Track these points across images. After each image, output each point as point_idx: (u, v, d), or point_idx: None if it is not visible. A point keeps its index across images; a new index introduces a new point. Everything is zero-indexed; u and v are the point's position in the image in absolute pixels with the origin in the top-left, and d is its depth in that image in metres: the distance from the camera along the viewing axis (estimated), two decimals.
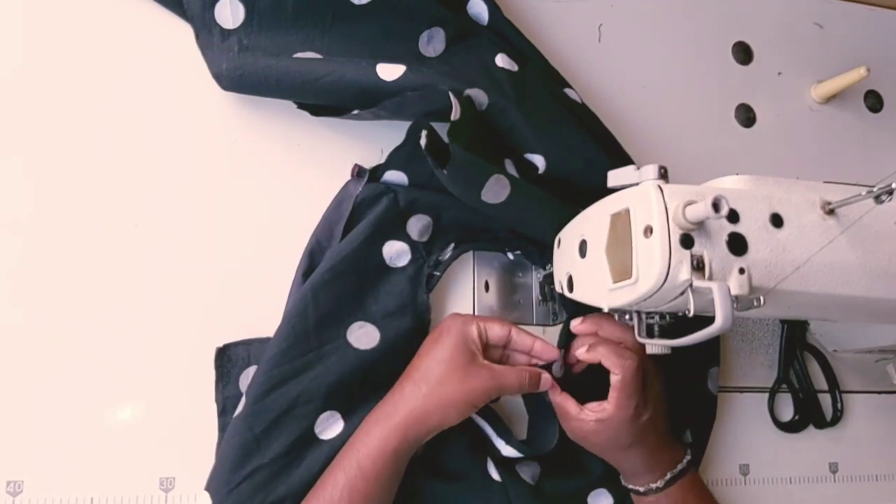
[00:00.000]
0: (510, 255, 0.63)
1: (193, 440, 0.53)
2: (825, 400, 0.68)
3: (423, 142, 0.53)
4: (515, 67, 0.60)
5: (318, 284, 0.54)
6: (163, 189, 0.57)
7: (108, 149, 0.56)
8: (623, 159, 0.63)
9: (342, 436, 0.52)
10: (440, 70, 0.58)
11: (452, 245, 0.61)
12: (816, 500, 0.66)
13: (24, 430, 0.51)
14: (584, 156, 0.60)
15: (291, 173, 0.59)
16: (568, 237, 0.55)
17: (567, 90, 0.63)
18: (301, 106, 0.58)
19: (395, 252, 0.58)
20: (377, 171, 0.59)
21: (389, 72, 0.55)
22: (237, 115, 0.59)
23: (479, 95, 0.56)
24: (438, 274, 0.60)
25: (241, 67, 0.56)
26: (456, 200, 0.58)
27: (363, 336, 0.55)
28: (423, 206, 0.59)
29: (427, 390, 0.51)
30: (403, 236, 0.58)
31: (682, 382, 0.61)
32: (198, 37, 0.57)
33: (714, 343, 0.65)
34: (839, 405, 0.68)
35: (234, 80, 0.56)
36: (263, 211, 0.58)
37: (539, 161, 0.59)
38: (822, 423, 0.68)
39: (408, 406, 0.51)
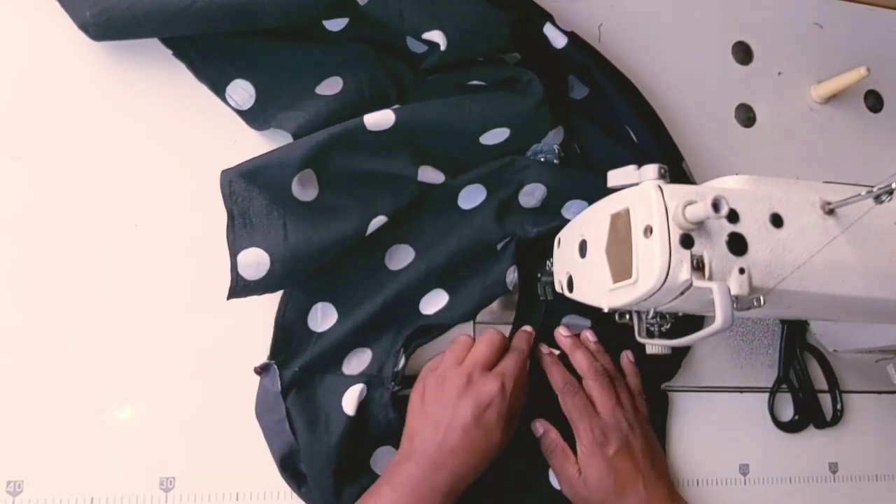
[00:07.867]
0: None
1: (193, 440, 0.53)
2: (825, 400, 0.68)
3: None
4: None
5: None
6: (163, 188, 0.57)
7: (108, 148, 0.56)
8: (524, 6, 0.62)
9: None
10: None
11: (402, 350, 0.56)
12: (816, 500, 0.66)
13: (24, 430, 0.51)
14: (481, 20, 0.57)
15: None
16: (568, 237, 0.55)
17: None
18: (177, 55, 0.56)
19: (352, 402, 0.54)
20: (279, 356, 0.55)
21: None
22: (236, 115, 0.59)
23: None
24: (399, 388, 0.56)
25: (106, 11, 0.53)
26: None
27: None
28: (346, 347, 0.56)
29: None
30: (346, 380, 0.55)
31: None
32: None
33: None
34: (839, 405, 0.68)
35: (101, 27, 0.53)
36: None
37: (438, 37, 0.56)
38: (822, 423, 0.68)
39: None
